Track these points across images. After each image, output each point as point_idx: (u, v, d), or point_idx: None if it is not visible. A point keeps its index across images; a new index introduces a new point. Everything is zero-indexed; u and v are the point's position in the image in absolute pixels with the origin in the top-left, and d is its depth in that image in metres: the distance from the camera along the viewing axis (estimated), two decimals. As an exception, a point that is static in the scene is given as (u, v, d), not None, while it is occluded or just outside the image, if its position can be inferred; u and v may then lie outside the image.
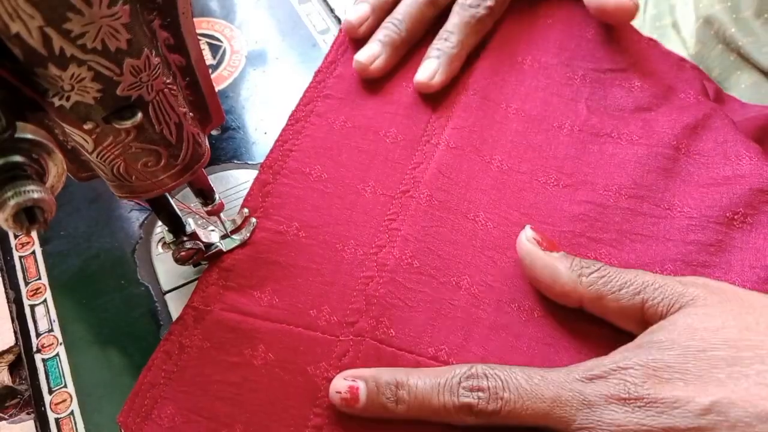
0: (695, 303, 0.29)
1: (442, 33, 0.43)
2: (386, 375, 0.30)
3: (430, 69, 0.41)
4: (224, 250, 0.36)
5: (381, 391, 0.30)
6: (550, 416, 0.28)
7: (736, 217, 0.35)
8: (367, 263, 0.36)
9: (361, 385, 0.30)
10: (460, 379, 0.29)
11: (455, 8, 0.43)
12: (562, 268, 0.32)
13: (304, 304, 0.35)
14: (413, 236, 0.36)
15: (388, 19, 0.43)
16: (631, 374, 0.27)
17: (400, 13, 0.43)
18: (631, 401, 0.26)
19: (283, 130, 0.41)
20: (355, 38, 0.44)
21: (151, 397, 0.33)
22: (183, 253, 0.35)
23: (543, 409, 0.28)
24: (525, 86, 0.42)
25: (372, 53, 0.42)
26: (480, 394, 0.28)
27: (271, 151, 0.40)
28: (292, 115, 0.42)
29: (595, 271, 0.31)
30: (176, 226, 0.35)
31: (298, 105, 0.42)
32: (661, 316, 0.29)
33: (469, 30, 0.42)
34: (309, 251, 0.36)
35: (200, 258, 0.36)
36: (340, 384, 0.31)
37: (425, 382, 0.29)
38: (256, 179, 0.39)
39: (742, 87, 0.46)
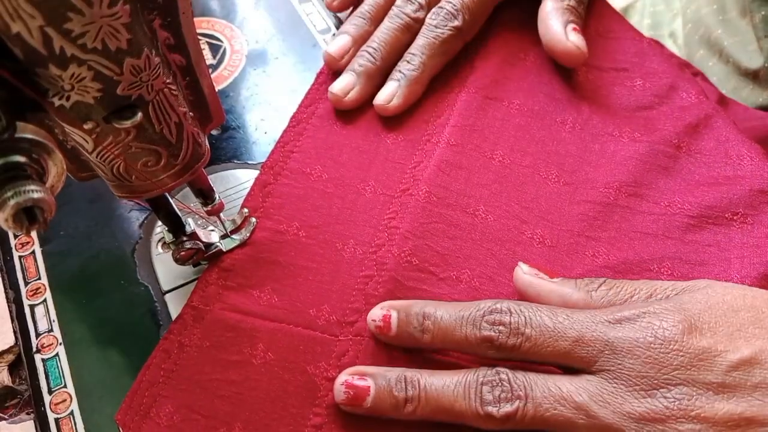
0: (712, 285, 0.29)
1: (406, 55, 0.42)
2: (416, 307, 0.31)
3: (388, 92, 0.41)
4: (224, 249, 0.36)
5: (410, 321, 0.31)
6: (570, 355, 0.28)
7: (735, 217, 0.35)
8: (366, 262, 0.36)
9: (393, 315, 0.32)
10: (484, 312, 0.29)
11: (422, 29, 0.42)
12: (569, 290, 0.31)
13: (304, 304, 0.35)
14: (412, 233, 0.36)
15: (364, 47, 0.43)
16: (659, 318, 0.27)
17: (375, 40, 0.43)
18: (656, 347, 0.26)
19: (285, 131, 0.41)
20: (336, 71, 0.43)
21: (149, 395, 0.33)
22: (183, 253, 0.35)
23: (564, 348, 0.28)
24: (527, 83, 0.42)
25: (346, 84, 0.42)
26: (501, 328, 0.28)
27: (272, 152, 0.40)
28: (293, 116, 0.42)
29: (602, 284, 0.31)
30: (176, 226, 0.35)
31: (300, 106, 0.42)
32: None
33: (432, 51, 0.41)
34: (309, 251, 0.36)
35: (200, 258, 0.36)
36: (376, 313, 0.32)
37: (450, 315, 0.30)
38: (257, 180, 0.39)
39: (724, 92, 0.46)
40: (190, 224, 0.35)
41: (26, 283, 0.38)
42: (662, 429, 0.25)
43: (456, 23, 0.41)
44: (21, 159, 0.22)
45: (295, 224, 0.37)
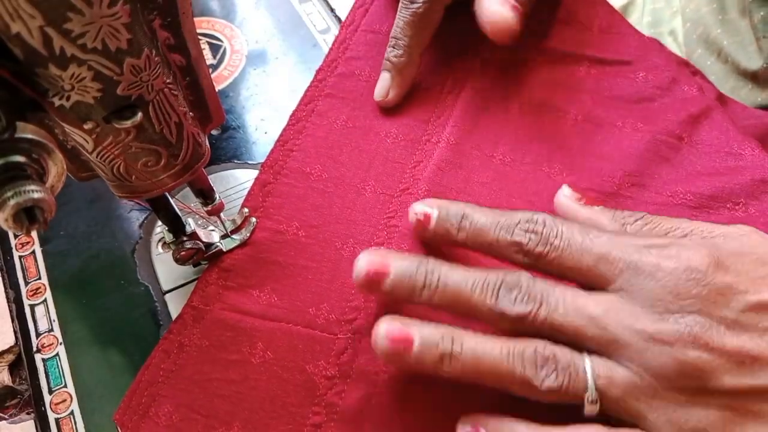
0: (750, 229, 0.29)
1: (390, 40, 0.42)
2: (456, 206, 0.32)
3: (383, 87, 0.41)
4: (224, 249, 0.36)
5: (448, 218, 0.31)
6: (593, 271, 0.28)
7: (737, 207, 0.36)
8: None
9: (434, 212, 0.32)
10: (519, 220, 0.29)
11: (399, 8, 0.41)
12: (605, 220, 0.31)
13: (303, 303, 0.35)
14: (410, 231, 0.36)
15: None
16: (688, 249, 0.27)
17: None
18: (679, 274, 0.26)
19: (284, 129, 0.41)
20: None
21: (148, 395, 0.33)
22: (183, 253, 0.35)
23: (588, 263, 0.28)
24: (529, 78, 0.42)
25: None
26: (532, 236, 0.29)
27: (272, 151, 0.40)
28: (293, 114, 0.42)
29: (639, 219, 0.31)
30: (176, 226, 0.35)
31: (299, 104, 0.42)
32: None
33: (414, 30, 0.41)
34: (309, 250, 0.36)
35: (200, 258, 0.36)
36: (419, 207, 0.32)
37: (488, 218, 0.30)
38: (257, 179, 0.39)
39: (722, 91, 0.46)
40: (191, 224, 0.35)
41: (26, 283, 0.38)
42: (670, 351, 0.25)
43: None
44: (21, 159, 0.22)
45: (295, 224, 0.37)
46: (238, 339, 0.34)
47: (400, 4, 0.41)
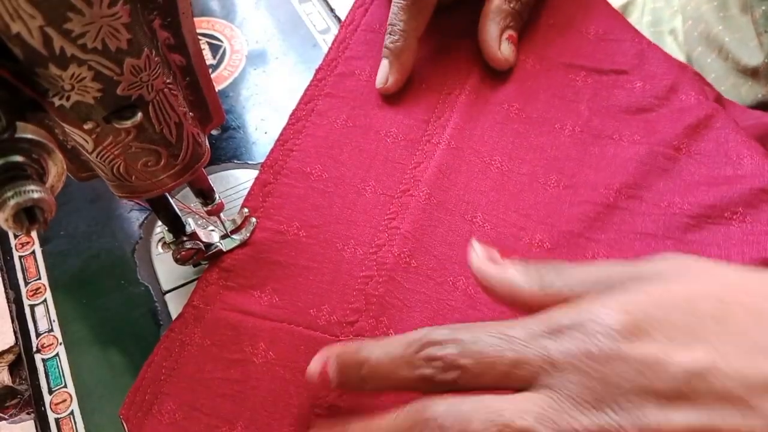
0: (668, 274, 0.25)
1: (387, 27, 0.42)
2: (348, 354, 0.28)
3: (383, 73, 0.42)
4: (224, 250, 0.36)
5: (347, 371, 0.28)
6: (510, 377, 0.24)
7: (735, 216, 0.35)
8: (366, 262, 0.36)
9: (330, 369, 0.28)
10: (416, 348, 0.26)
11: None
12: (520, 280, 0.28)
13: (305, 304, 0.35)
14: (411, 234, 0.36)
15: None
16: (602, 323, 0.23)
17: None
18: (600, 357, 0.23)
19: (284, 129, 0.41)
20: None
21: (151, 392, 0.33)
22: (183, 253, 0.35)
23: (503, 372, 0.24)
24: (526, 87, 0.42)
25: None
26: (436, 363, 0.25)
27: (272, 150, 0.40)
28: (293, 113, 0.42)
29: (554, 272, 0.28)
30: (176, 226, 0.35)
31: (299, 103, 0.42)
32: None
33: (408, 14, 0.41)
34: (309, 251, 0.36)
35: (200, 258, 0.36)
36: (314, 366, 0.29)
37: (385, 355, 0.27)
38: (257, 179, 0.39)
39: (722, 89, 0.46)
40: (191, 224, 0.35)
41: (26, 283, 0.38)
42: None
43: None
44: (21, 159, 0.22)
45: (296, 224, 0.37)
46: (239, 338, 0.34)
47: None
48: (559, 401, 0.23)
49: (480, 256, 0.30)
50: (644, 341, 0.22)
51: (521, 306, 0.28)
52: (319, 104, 0.42)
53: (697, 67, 0.49)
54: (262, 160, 0.40)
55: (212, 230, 0.37)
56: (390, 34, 0.42)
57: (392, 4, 0.42)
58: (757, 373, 0.21)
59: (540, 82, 0.42)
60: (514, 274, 0.28)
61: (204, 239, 0.35)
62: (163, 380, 0.33)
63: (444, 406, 0.25)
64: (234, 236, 0.37)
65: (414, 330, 0.27)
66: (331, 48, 0.45)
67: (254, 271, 0.36)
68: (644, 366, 0.22)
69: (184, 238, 0.35)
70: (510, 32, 0.42)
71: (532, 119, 0.41)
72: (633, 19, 0.55)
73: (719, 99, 0.42)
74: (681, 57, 0.51)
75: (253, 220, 0.38)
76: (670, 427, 0.21)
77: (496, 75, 0.43)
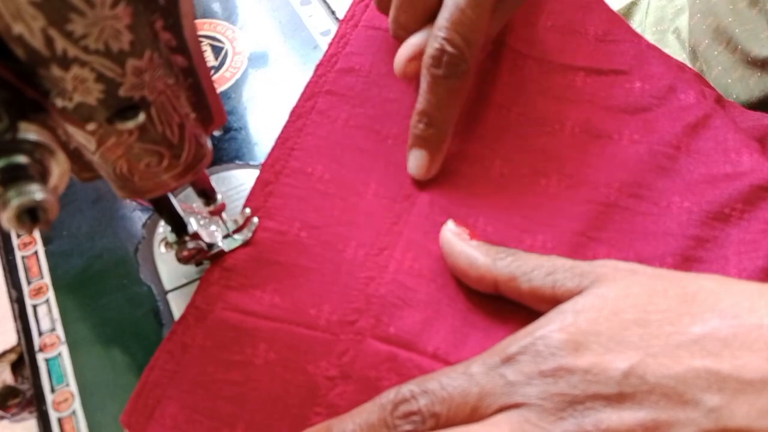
0: (605, 278, 0.29)
1: (421, 116, 0.38)
2: None
3: (421, 165, 0.38)
4: (226, 250, 0.37)
5: None
6: (480, 411, 0.27)
7: (733, 213, 0.35)
8: (368, 264, 0.36)
9: None
10: (390, 409, 0.28)
11: (424, 80, 0.37)
12: (478, 254, 0.33)
13: (305, 304, 0.35)
14: (415, 240, 0.36)
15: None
16: (546, 344, 0.27)
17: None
18: (551, 373, 0.26)
19: (285, 126, 0.41)
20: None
21: (153, 396, 0.33)
22: (185, 253, 0.35)
23: (473, 407, 0.27)
24: (526, 89, 0.42)
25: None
26: (415, 418, 0.27)
27: (273, 149, 0.40)
28: (293, 110, 0.42)
29: (510, 255, 0.32)
30: (178, 226, 0.35)
31: (299, 100, 0.42)
32: (572, 296, 0.29)
33: (450, 106, 0.37)
34: (310, 251, 0.37)
35: (203, 258, 0.36)
36: None
37: (360, 426, 0.28)
38: (258, 178, 0.39)
39: (728, 82, 0.46)
40: (193, 224, 0.35)
41: (29, 283, 0.39)
42: None
43: (464, 66, 0.36)
44: (24, 160, 0.23)
45: (297, 225, 0.37)
46: (240, 339, 0.34)
47: (429, 77, 0.37)
48: (527, 417, 0.26)
49: (450, 230, 0.35)
50: (584, 354, 0.26)
51: (476, 279, 0.33)
52: (319, 102, 0.42)
53: (702, 60, 0.49)
54: (263, 161, 0.41)
55: (214, 230, 0.37)
56: (428, 126, 0.38)
57: (427, 90, 0.37)
58: (685, 368, 0.25)
59: (539, 84, 0.42)
60: (474, 250, 0.33)
61: (206, 239, 0.35)
62: (165, 384, 0.33)
63: None
64: (236, 236, 0.37)
65: (378, 395, 0.29)
66: (331, 44, 0.45)
67: (255, 271, 0.36)
68: (590, 374, 0.25)
69: (187, 238, 0.35)
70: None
71: (531, 121, 0.41)
72: (636, 20, 0.55)
73: (719, 100, 0.42)
74: (684, 54, 0.51)
75: (255, 220, 0.38)
76: (625, 425, 0.24)
77: (496, 78, 0.43)
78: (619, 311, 0.27)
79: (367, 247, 0.36)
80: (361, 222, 0.37)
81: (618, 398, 0.25)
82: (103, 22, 0.23)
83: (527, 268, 0.31)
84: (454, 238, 0.34)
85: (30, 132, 0.23)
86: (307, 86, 0.43)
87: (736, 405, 0.24)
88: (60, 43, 0.22)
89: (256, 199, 0.39)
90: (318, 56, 0.48)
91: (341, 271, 0.36)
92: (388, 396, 0.28)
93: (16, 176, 0.22)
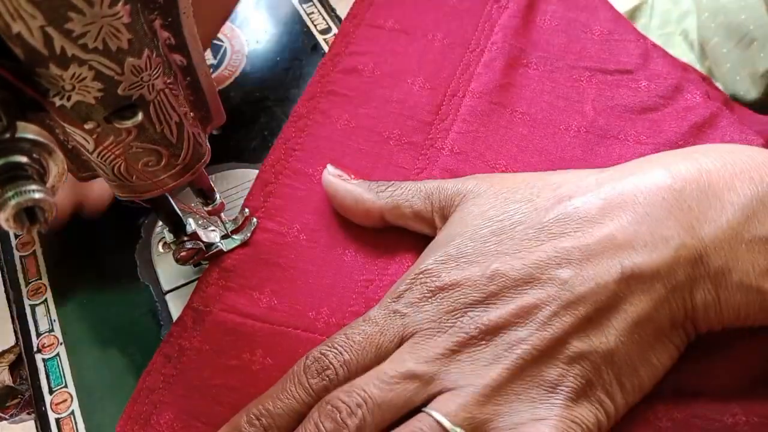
0: (469, 195, 0.33)
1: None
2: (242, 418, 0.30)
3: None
4: (225, 250, 0.36)
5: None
6: (383, 347, 0.30)
7: None
8: (368, 266, 0.36)
9: None
10: (304, 369, 0.30)
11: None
12: (361, 190, 0.35)
13: (303, 306, 0.35)
14: (414, 243, 0.36)
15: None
16: (427, 274, 0.30)
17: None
18: (435, 293, 0.30)
19: (286, 126, 0.41)
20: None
21: (149, 402, 0.32)
22: (183, 253, 0.35)
23: (377, 346, 0.30)
24: (530, 90, 0.42)
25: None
26: (328, 372, 0.29)
27: (274, 149, 0.40)
28: (294, 110, 0.42)
29: (390, 186, 0.35)
30: (176, 225, 0.35)
31: (301, 100, 0.42)
32: (447, 215, 0.33)
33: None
34: (309, 254, 0.36)
35: (201, 258, 0.36)
36: None
37: (276, 393, 0.30)
38: (258, 178, 0.39)
39: (737, 79, 0.46)
40: (191, 224, 0.35)
41: (27, 283, 0.38)
42: (468, 353, 0.28)
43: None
44: (22, 159, 0.22)
45: (296, 226, 0.37)
46: (238, 344, 0.34)
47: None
48: (420, 340, 0.29)
49: (331, 173, 0.37)
50: (455, 273, 0.30)
51: (363, 214, 0.36)
52: (321, 102, 0.42)
53: (711, 57, 0.49)
54: (262, 161, 0.40)
55: (213, 230, 0.37)
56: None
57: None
58: (537, 255, 0.29)
59: (544, 84, 0.42)
60: (357, 186, 0.36)
61: (204, 239, 0.35)
62: (162, 389, 0.33)
63: (334, 393, 0.29)
64: (235, 236, 0.37)
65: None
66: (333, 43, 0.45)
67: (254, 272, 0.36)
68: (461, 287, 0.29)
69: (185, 238, 0.35)
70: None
71: (536, 121, 0.41)
72: (641, 23, 0.55)
73: (727, 102, 0.42)
74: (692, 55, 0.51)
75: (254, 220, 0.37)
76: (500, 318, 0.28)
77: (501, 79, 0.42)
78: (478, 229, 0.31)
79: (367, 251, 0.36)
80: (362, 226, 0.37)
81: (488, 298, 0.29)
82: (102, 21, 0.22)
83: (408, 194, 0.34)
84: (336, 179, 0.36)
85: (28, 131, 0.23)
86: (309, 86, 0.43)
87: (584, 270, 0.28)
88: (59, 42, 0.22)
89: (255, 198, 0.38)
90: (317, 55, 0.48)
91: (341, 273, 0.36)
92: (301, 361, 0.30)
93: (14, 176, 0.22)
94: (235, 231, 0.37)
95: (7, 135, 0.22)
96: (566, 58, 0.43)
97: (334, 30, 0.49)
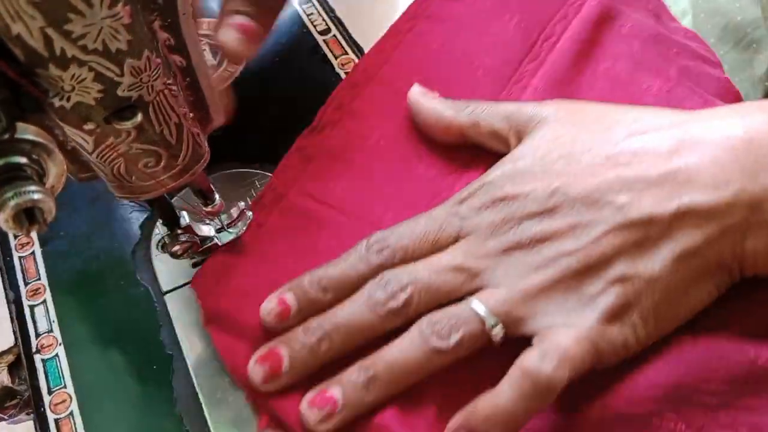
0: (547, 120, 0.34)
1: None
2: (305, 280, 0.32)
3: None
4: (220, 243, 0.36)
5: (307, 296, 0.32)
6: (440, 240, 0.32)
7: None
8: (437, 180, 0.37)
9: (288, 295, 0.32)
10: (366, 246, 0.32)
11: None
12: (444, 107, 0.37)
13: (371, 206, 0.36)
14: (485, 164, 0.36)
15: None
16: (492, 184, 0.32)
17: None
18: (496, 203, 0.32)
19: (381, 39, 0.42)
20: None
21: (223, 262, 0.35)
22: (177, 247, 0.35)
23: (433, 240, 0.32)
24: (618, 48, 0.41)
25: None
26: (386, 252, 0.32)
27: (366, 55, 0.42)
28: (393, 27, 0.43)
29: (471, 104, 0.36)
30: (171, 218, 0.34)
31: (399, 20, 0.43)
32: (522, 137, 0.34)
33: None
34: (386, 159, 0.38)
35: (195, 251, 0.36)
36: (270, 304, 0.32)
37: (343, 266, 0.32)
38: (347, 79, 0.41)
39: (736, 81, 0.46)
40: (185, 217, 0.35)
41: (26, 284, 0.38)
42: (516, 257, 0.30)
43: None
44: (21, 160, 0.22)
45: (378, 132, 0.38)
46: (308, 226, 0.36)
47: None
48: (473, 239, 0.32)
49: (416, 92, 0.38)
50: (519, 185, 0.32)
51: (443, 130, 0.37)
52: (418, 24, 0.43)
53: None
54: (262, 161, 0.40)
55: (207, 223, 0.36)
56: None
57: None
58: (600, 180, 0.30)
59: (632, 46, 0.41)
60: (439, 104, 0.37)
61: (199, 233, 0.35)
62: (236, 254, 0.35)
63: (390, 271, 0.32)
64: (230, 229, 0.37)
65: None
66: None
67: (331, 164, 0.38)
68: (521, 198, 0.31)
69: (179, 231, 0.35)
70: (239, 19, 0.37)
71: (618, 80, 0.40)
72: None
73: (737, 97, 0.42)
74: None
75: (249, 214, 0.37)
76: (551, 230, 0.30)
77: (591, 32, 0.41)
78: (549, 151, 0.32)
79: (440, 166, 0.37)
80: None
81: (545, 213, 0.30)
82: (102, 22, 0.22)
83: (488, 113, 0.35)
84: (421, 96, 0.38)
85: (27, 132, 0.23)
86: (410, 7, 0.44)
87: (642, 199, 0.29)
88: (58, 43, 0.22)
89: (343, 96, 0.40)
90: (317, 55, 0.48)
91: (411, 182, 0.37)
92: (364, 240, 0.33)
93: (13, 176, 0.22)
94: (230, 224, 0.37)
95: (7, 136, 0.22)
96: (657, 29, 0.42)
97: (333, 31, 0.49)
